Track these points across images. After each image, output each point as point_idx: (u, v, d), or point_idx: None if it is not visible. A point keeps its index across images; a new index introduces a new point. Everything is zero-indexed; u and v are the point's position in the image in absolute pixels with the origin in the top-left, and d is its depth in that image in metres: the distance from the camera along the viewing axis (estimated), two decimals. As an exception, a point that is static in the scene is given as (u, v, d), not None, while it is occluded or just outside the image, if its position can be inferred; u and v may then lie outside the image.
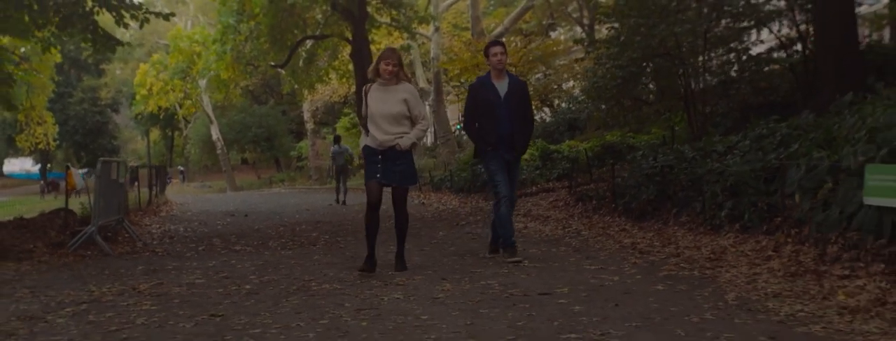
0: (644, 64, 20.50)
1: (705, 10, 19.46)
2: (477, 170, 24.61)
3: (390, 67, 10.80)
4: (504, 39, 44.00)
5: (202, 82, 59.38)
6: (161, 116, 75.60)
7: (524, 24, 53.37)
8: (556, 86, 42.69)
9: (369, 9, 37.99)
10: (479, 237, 14.42)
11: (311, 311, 8.02)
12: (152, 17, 19.85)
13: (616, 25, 21.51)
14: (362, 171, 39.96)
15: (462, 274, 9.98)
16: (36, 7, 18.07)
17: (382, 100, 10.82)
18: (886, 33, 30.30)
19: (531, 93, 25.83)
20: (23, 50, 28.63)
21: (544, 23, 52.09)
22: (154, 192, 30.62)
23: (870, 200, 8.44)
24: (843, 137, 10.52)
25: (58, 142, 71.72)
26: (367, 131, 11.01)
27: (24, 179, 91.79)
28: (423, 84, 50.37)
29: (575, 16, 48.24)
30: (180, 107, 71.18)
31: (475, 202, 22.38)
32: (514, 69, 35.93)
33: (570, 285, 8.76)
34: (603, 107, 23.74)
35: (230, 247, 15.09)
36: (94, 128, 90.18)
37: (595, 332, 6.45)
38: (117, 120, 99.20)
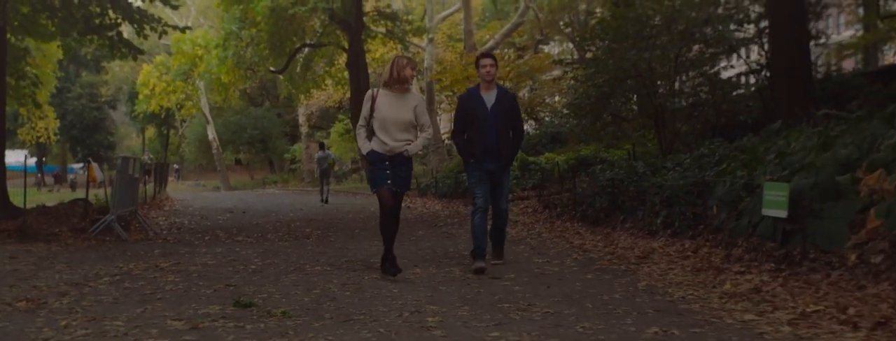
0: (618, 84, 21.60)
1: (677, 37, 20.66)
2: (459, 178, 26.09)
3: (413, 73, 11.14)
4: (495, 52, 45.64)
5: (200, 83, 60.60)
6: (163, 116, 76.41)
7: (517, 38, 54.86)
8: (542, 100, 44.02)
9: (365, 19, 39.30)
10: (454, 236, 16.24)
11: (305, 285, 10.01)
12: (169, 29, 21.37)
13: (592, 49, 23.21)
14: (355, 176, 41.43)
15: (431, 263, 11.80)
16: (60, 14, 19.67)
17: (395, 107, 10.99)
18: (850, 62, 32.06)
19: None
20: (25, 45, 29.83)
21: (536, 37, 53.29)
22: (157, 188, 32.29)
23: (766, 212, 10.27)
24: (762, 159, 12.46)
25: (57, 136, 72.98)
26: (368, 135, 11.17)
27: (17, 171, 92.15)
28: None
29: (567, 31, 49.52)
30: (181, 108, 72.08)
31: (456, 206, 23.94)
32: (503, 82, 37.08)
33: (517, 273, 10.71)
34: (581, 122, 25.29)
35: (233, 237, 16.79)
36: (91, 124, 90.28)
37: (524, 303, 8.45)
38: (114, 116, 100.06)
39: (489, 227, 11.95)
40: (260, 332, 7.16)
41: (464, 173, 24.68)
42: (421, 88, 51.27)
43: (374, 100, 11.05)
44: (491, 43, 49.01)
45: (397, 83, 10.97)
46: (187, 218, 23.19)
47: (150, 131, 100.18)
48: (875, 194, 9.33)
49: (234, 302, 8.52)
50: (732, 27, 21.68)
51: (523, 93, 42.83)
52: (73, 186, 64.70)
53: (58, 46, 26.27)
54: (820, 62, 28.16)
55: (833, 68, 27.65)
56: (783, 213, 9.99)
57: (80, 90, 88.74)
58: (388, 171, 10.94)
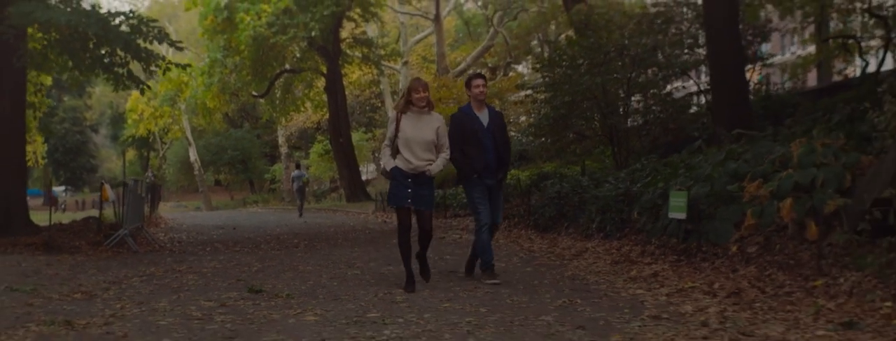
0: (575, 106, 23.74)
1: (629, 62, 22.95)
2: (436, 194, 28.23)
3: (425, 94, 11.44)
4: (469, 73, 47.46)
5: (182, 106, 62.13)
6: (150, 139, 77.68)
7: (490, 59, 57.00)
8: (510, 120, 45.88)
9: (342, 45, 41.41)
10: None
11: (301, 278, 12.65)
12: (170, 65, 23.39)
13: (548, 75, 25.39)
14: (334, 195, 43.93)
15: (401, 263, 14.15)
16: (81, 55, 21.99)
17: (418, 127, 11.42)
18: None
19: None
20: (40, 81, 31.34)
21: (506, 60, 55.11)
22: (151, 209, 34.56)
23: (672, 215, 12.75)
24: (677, 173, 15.06)
25: (44, 159, 74.60)
26: (393, 153, 11.62)
27: None
28: (391, 113, 53.69)
29: (537, 52, 51.27)
30: (167, 131, 73.84)
31: (436, 220, 26.00)
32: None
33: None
34: (543, 141, 27.40)
35: (231, 248, 19.15)
36: (73, 147, 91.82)
37: (472, 287, 11.10)
38: (95, 139, 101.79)
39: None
40: (272, 307, 9.75)
41: (442, 189, 26.55)
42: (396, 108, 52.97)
43: (399, 120, 11.58)
44: (463, 65, 51.23)
45: (414, 105, 11.45)
46: (184, 233, 25.44)
47: (131, 154, 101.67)
48: (755, 199, 11.81)
49: (247, 290, 11.13)
50: (683, 51, 23.98)
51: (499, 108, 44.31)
52: (57, 208, 66.30)
53: (66, 79, 28.39)
54: (784, 80, 30.36)
55: (777, 87, 29.80)
56: (683, 216, 12.46)
57: (63, 114, 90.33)
58: (410, 190, 11.45)
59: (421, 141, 11.35)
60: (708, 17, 20.37)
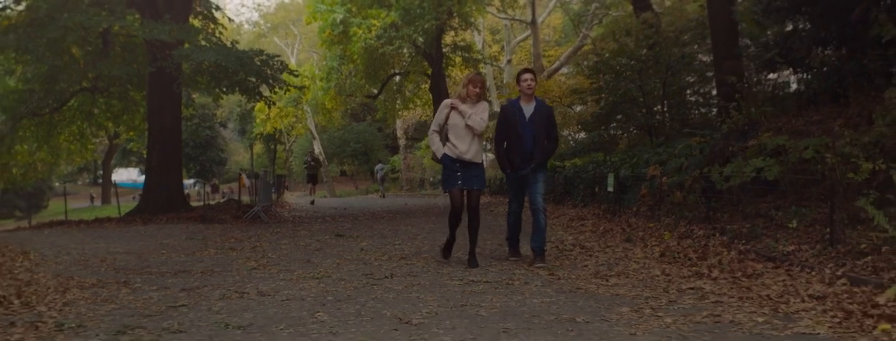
0: (615, 107, 29.56)
1: (663, 69, 27.86)
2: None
3: (478, 90, 12.26)
4: (565, 71, 54.34)
5: (306, 107, 69.57)
6: (275, 135, 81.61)
7: (585, 57, 61.30)
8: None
9: (445, 49, 48.04)
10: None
11: (371, 231, 20.59)
12: (290, 87, 31.46)
13: (594, 81, 31.44)
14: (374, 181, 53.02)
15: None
16: (225, 82, 29.99)
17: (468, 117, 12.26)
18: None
19: (573, 117, 34.70)
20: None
21: (595, 60, 58.20)
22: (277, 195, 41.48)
23: (608, 189, 20.15)
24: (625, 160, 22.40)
25: (174, 153, 79.74)
26: (442, 140, 12.47)
27: (130, 188, 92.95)
28: (496, 108, 56.68)
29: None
30: (292, 129, 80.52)
31: (500, 199, 33.11)
32: (560, 100, 44.28)
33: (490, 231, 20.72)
34: (594, 133, 33.85)
35: (336, 219, 26.62)
36: (203, 142, 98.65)
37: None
38: (224, 134, 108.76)
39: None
40: (345, 241, 17.85)
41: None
42: (502, 103, 56.92)
43: (452, 108, 12.41)
44: (556, 64, 57.99)
45: (468, 97, 12.40)
46: (303, 212, 32.79)
47: (258, 147, 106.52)
48: (652, 178, 18.75)
49: (335, 235, 19.26)
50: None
51: (579, 108, 47.80)
52: (188, 198, 71.09)
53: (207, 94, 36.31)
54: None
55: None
56: (612, 189, 19.92)
57: (194, 111, 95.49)
58: (459, 173, 12.32)
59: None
60: (713, 32, 23.23)
